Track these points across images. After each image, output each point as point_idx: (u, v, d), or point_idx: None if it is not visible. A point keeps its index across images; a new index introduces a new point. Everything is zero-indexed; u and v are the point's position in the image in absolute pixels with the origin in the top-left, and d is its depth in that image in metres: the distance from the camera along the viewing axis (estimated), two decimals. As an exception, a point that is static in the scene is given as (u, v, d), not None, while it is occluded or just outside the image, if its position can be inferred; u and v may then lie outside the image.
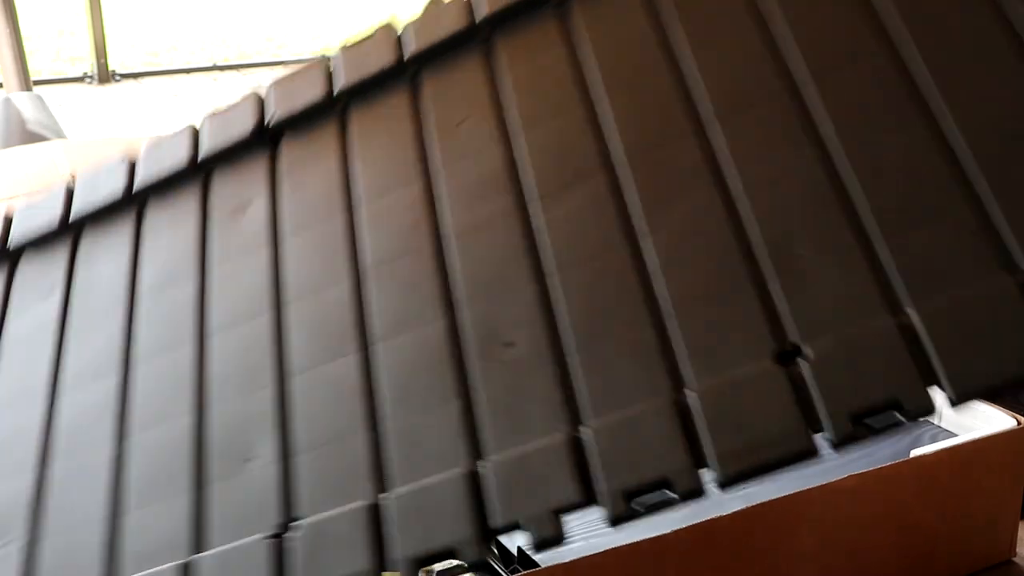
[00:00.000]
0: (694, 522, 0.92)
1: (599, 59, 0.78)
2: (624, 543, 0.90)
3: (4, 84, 3.02)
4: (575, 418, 0.62)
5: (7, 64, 3.01)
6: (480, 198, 0.75)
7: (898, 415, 0.56)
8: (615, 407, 0.61)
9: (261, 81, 1.01)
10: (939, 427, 1.06)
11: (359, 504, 0.66)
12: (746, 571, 0.96)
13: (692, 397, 0.60)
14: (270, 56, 5.37)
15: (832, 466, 1.05)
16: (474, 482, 0.63)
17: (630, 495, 0.58)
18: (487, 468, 0.63)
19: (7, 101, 2.61)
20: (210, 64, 5.13)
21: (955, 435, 1.02)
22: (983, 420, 0.99)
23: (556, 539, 0.60)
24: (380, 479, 0.66)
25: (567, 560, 0.90)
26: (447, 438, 0.65)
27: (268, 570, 0.66)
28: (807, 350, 0.59)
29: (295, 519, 0.68)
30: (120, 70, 4.77)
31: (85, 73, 4.69)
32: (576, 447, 0.61)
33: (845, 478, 0.95)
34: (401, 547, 0.63)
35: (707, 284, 0.64)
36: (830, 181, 0.65)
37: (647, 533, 0.91)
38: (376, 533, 0.64)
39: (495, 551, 1.02)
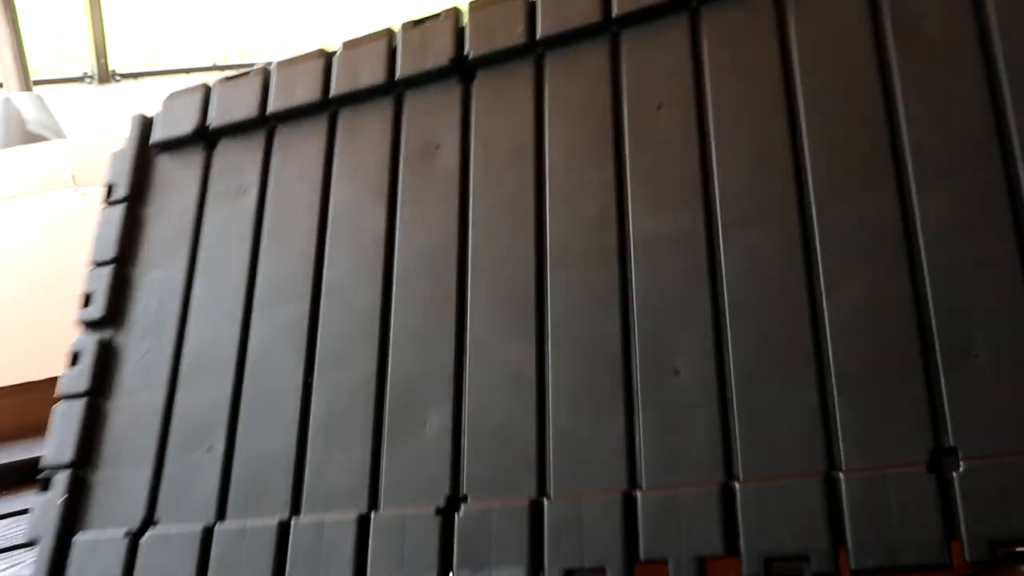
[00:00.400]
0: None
1: (808, 62, 0.72)
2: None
3: (4, 84, 3.02)
4: (730, 469, 0.64)
5: (7, 64, 3.01)
6: (669, 206, 0.73)
7: None
8: (769, 468, 0.63)
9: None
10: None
11: (523, 502, 0.69)
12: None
13: (843, 480, 0.61)
14: (270, 56, 5.37)
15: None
16: (630, 509, 0.66)
17: (769, 561, 0.61)
18: (642, 498, 0.66)
19: (7, 101, 2.61)
20: (210, 64, 5.13)
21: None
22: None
23: None
24: (543, 479, 0.70)
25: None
26: (608, 455, 0.68)
27: (437, 542, 0.70)
28: (963, 464, 0.59)
29: (462, 496, 0.72)
30: (120, 70, 4.77)
31: (85, 73, 4.69)
32: (727, 499, 0.63)
33: (845, 479, 0.95)
34: (552, 555, 0.67)
35: (878, 362, 0.63)
36: None
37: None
38: (535, 534, 0.68)
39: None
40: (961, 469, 0.59)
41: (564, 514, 0.68)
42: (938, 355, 0.61)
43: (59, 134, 2.52)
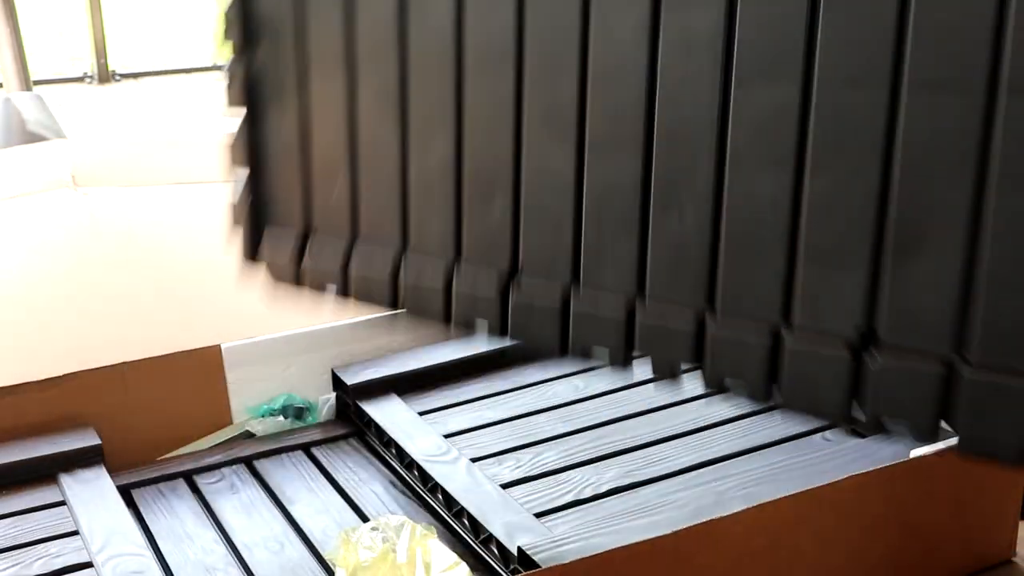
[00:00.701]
0: (694, 523, 0.92)
1: None
2: (623, 544, 0.90)
3: (4, 84, 3.02)
4: (711, 302, 0.78)
5: (7, 64, 3.00)
6: (691, 62, 0.77)
7: (909, 431, 0.72)
8: (738, 310, 0.77)
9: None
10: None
11: (556, 294, 0.85)
12: (746, 572, 0.96)
13: (787, 338, 0.75)
14: (270, 56, 5.34)
15: (833, 466, 1.05)
16: (630, 318, 0.82)
17: (721, 380, 0.79)
18: (640, 310, 0.82)
19: (7, 101, 2.61)
20: (210, 64, 5.13)
21: (956, 435, 1.02)
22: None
23: (674, 376, 0.82)
24: (577, 269, 0.85)
25: (567, 561, 0.90)
26: (624, 265, 0.82)
27: (498, 318, 0.89)
28: (879, 350, 0.71)
29: (520, 267, 0.88)
30: (120, 70, 4.77)
31: (85, 73, 4.69)
32: (701, 328, 0.79)
33: (846, 478, 0.95)
34: (575, 337, 0.85)
35: (838, 242, 0.72)
36: (979, 191, 0.65)
37: (646, 534, 0.91)
38: (564, 322, 0.86)
39: (496, 552, 1.01)
40: (876, 354, 0.70)
41: (586, 307, 0.84)
42: (889, 248, 0.69)
43: (59, 134, 2.52)
